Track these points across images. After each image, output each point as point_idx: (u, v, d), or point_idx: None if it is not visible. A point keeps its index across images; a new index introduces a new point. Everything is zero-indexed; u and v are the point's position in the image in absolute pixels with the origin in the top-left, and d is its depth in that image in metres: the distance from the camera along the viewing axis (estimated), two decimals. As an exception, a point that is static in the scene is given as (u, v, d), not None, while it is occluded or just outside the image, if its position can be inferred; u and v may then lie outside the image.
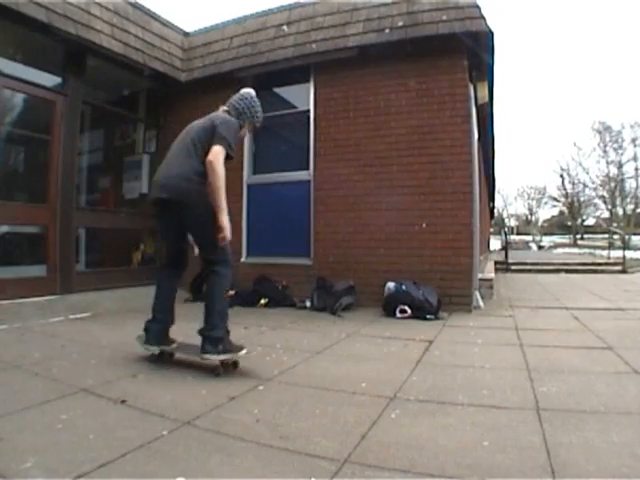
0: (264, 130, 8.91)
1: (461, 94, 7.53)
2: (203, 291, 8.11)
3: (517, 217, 70.65)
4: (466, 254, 7.28)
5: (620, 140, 48.19)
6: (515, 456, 2.38)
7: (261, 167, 8.96)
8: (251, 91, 4.46)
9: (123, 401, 3.10)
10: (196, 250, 4.20)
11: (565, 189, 56.69)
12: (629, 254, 20.49)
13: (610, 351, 4.68)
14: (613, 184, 49.01)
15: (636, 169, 47.36)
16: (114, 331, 5.65)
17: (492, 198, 28.47)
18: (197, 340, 3.97)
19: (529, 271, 17.25)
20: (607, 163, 49.27)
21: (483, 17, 7.20)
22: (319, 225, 8.15)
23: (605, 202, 50.96)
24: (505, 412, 3.02)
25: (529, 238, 54.41)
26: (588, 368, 4.04)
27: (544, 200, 64.04)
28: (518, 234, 58.66)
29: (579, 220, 58.47)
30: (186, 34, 9.65)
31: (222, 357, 3.84)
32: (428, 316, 6.57)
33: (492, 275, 9.95)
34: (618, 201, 49.26)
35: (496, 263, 16.88)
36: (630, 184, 48.43)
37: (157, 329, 4.14)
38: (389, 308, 6.84)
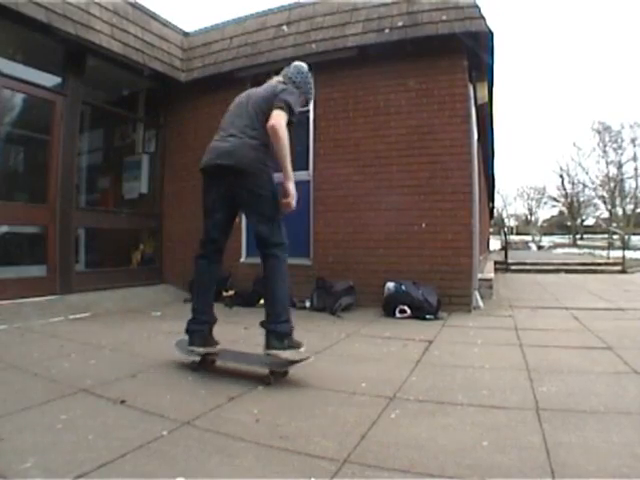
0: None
1: (461, 94, 7.53)
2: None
3: (517, 217, 70.71)
4: (466, 254, 7.28)
5: (620, 140, 48.26)
6: (515, 456, 2.38)
7: None
8: (305, 65, 4.24)
9: (123, 401, 3.10)
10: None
11: (565, 189, 56.77)
12: (629, 254, 20.51)
13: (610, 351, 4.68)
14: (613, 184, 49.04)
15: (636, 169, 47.42)
16: (114, 331, 5.66)
17: (492, 198, 28.49)
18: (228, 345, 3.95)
19: (529, 271, 17.24)
20: (607, 163, 49.35)
21: (483, 17, 7.20)
22: (319, 225, 8.14)
23: (605, 202, 51.03)
24: (505, 412, 3.02)
25: (529, 238, 54.41)
26: (588, 368, 4.04)
27: (544, 200, 64.14)
28: (518, 234, 58.68)
29: (579, 220, 58.52)
30: (186, 34, 9.65)
31: (288, 354, 3.55)
32: (428, 316, 6.57)
33: (492, 275, 9.96)
34: (618, 201, 49.31)
35: (496, 263, 16.89)
36: (630, 184, 48.52)
37: (201, 329, 3.87)
38: (389, 308, 6.85)
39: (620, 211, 49.38)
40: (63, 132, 7.44)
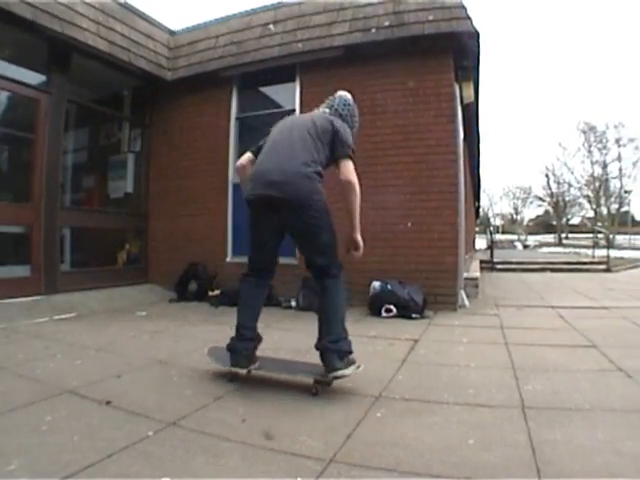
0: (250, 129, 8.91)
1: (447, 94, 7.56)
2: (189, 290, 8.18)
3: (503, 216, 71.03)
4: (451, 253, 7.31)
5: (604, 140, 48.74)
6: (500, 454, 2.41)
7: None
8: (349, 95, 4.19)
9: (108, 402, 3.09)
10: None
11: (550, 189, 57.17)
12: (613, 253, 20.71)
13: (595, 349, 4.73)
14: (598, 184, 49.50)
15: (620, 169, 47.96)
16: (99, 332, 5.62)
17: (477, 197, 28.58)
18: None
19: (514, 270, 17.33)
20: (592, 163, 49.81)
21: (469, 17, 7.24)
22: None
23: (590, 202, 51.46)
24: (490, 410, 3.05)
25: (514, 237, 54.70)
26: (573, 366, 4.08)
27: (529, 199, 64.56)
28: (504, 233, 58.99)
29: (564, 219, 58.95)
30: (172, 33, 9.60)
31: (350, 371, 3.35)
32: (413, 315, 6.60)
33: (477, 274, 10.02)
34: (602, 201, 49.76)
35: (481, 262, 16.95)
36: (614, 184, 49.08)
37: (247, 348, 3.58)
38: (375, 307, 6.86)
39: (605, 210, 49.83)
40: (48, 130, 7.38)
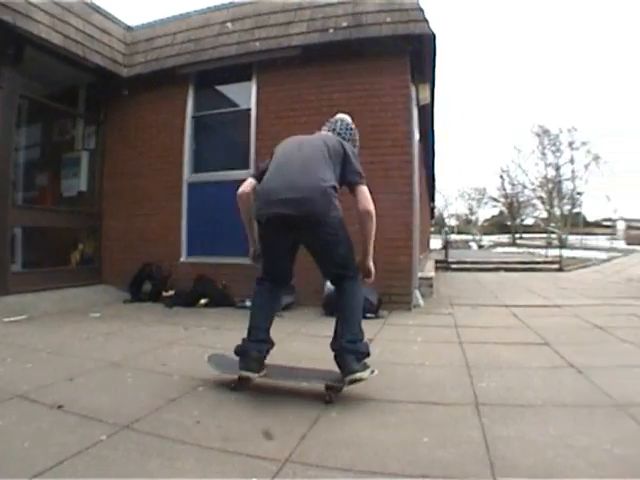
0: (205, 128, 8.85)
1: (403, 95, 7.65)
2: (143, 290, 8.07)
3: (458, 217, 71.79)
4: (406, 253, 7.39)
5: (558, 143, 49.76)
6: (455, 451, 2.46)
7: (202, 166, 8.86)
8: (350, 119, 4.22)
9: (60, 406, 3.03)
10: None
11: (505, 190, 58.11)
12: (566, 253, 21.32)
13: (547, 347, 4.87)
14: (551, 185, 50.49)
15: (573, 171, 49.07)
16: (51, 334, 5.51)
17: (433, 198, 28.93)
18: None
19: (469, 270, 17.61)
20: (545, 165, 50.79)
21: (426, 20, 7.34)
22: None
23: (543, 203, 52.41)
24: (445, 408, 3.11)
25: (469, 237, 55.42)
26: (526, 363, 4.19)
27: (484, 200, 65.36)
28: (459, 233, 59.68)
29: (518, 220, 59.95)
30: (129, 28, 9.46)
31: (367, 374, 3.27)
32: (368, 315, 6.61)
33: (432, 274, 10.13)
34: (555, 202, 50.76)
35: (436, 262, 17.14)
36: (567, 185, 50.16)
37: (259, 350, 3.47)
38: (329, 307, 6.86)
39: (558, 211, 50.85)
40: (-1, 126, 7.20)
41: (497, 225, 68.27)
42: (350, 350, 3.31)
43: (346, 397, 3.30)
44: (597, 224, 56.83)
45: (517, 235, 56.28)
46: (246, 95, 8.46)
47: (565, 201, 51.06)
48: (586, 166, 48.08)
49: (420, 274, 8.64)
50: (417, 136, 9.35)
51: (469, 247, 43.03)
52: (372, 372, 3.31)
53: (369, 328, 5.79)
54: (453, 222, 69.59)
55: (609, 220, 55.03)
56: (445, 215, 67.70)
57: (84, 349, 4.74)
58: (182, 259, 8.63)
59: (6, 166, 7.34)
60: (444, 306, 7.82)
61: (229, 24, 8.45)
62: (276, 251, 3.59)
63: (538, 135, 50.62)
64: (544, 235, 32.90)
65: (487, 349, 4.79)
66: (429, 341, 5.20)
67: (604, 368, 4.03)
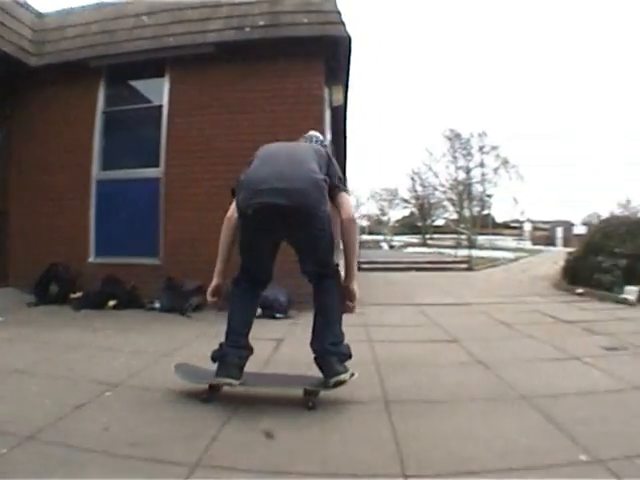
0: (116, 124, 8.58)
1: (316, 96, 7.74)
2: (50, 292, 7.73)
3: (369, 217, 72.59)
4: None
5: (469, 147, 51.26)
6: (365, 448, 2.52)
7: (111, 163, 8.54)
8: (320, 135, 4.07)
9: (-45, 419, 2.86)
10: None
11: (416, 191, 59.06)
12: (475, 253, 22.09)
13: (456, 344, 5.07)
14: (461, 187, 51.91)
15: (482, 174, 50.65)
16: None
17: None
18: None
19: (380, 269, 17.75)
20: (456, 168, 52.07)
21: (343, 23, 7.46)
22: (169, 224, 7.99)
23: (453, 204, 53.72)
24: (355, 406, 3.19)
25: (381, 238, 56.13)
26: (435, 360, 4.33)
27: (396, 201, 66.29)
28: (370, 234, 60.17)
29: (429, 221, 61.29)
30: (39, 15, 9.00)
31: (348, 376, 3.19)
32: (278, 315, 6.67)
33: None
34: (466, 204, 52.19)
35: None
36: (477, 188, 51.67)
37: (241, 355, 3.30)
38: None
39: (468, 213, 52.40)
40: None
41: (408, 226, 69.39)
42: (334, 352, 3.28)
43: (258, 398, 3.30)
44: (506, 225, 58.82)
45: (428, 235, 57.37)
46: (159, 91, 8.27)
47: (475, 203, 52.66)
48: (495, 170, 49.89)
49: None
50: (329, 137, 9.43)
51: (380, 247, 43.51)
52: (352, 375, 3.24)
53: (278, 328, 5.91)
54: (364, 223, 70.52)
55: (517, 222, 57.15)
56: (357, 216, 68.16)
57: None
58: (90, 259, 8.32)
59: None
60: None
61: (145, 17, 8.25)
62: (260, 247, 3.41)
63: (449, 139, 51.95)
64: (454, 236, 33.77)
65: (397, 347, 4.92)
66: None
67: (510, 363, 4.27)
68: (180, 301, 7.09)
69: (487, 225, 54.29)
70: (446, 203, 55.25)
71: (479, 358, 4.39)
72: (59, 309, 7.40)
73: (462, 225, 45.45)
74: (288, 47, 7.71)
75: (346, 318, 6.47)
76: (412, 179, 57.42)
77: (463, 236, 31.09)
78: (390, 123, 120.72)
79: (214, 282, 3.55)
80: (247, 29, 7.70)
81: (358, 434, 2.70)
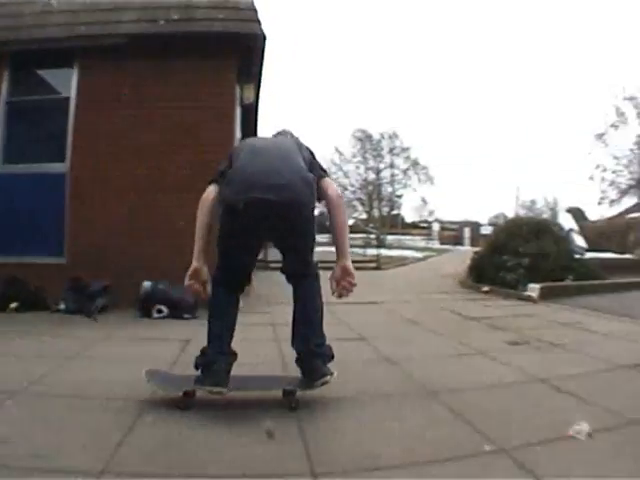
0: (21, 115, 8.20)
1: (228, 94, 7.81)
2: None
3: (278, 217, 73.00)
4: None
5: (379, 149, 52.17)
6: (274, 448, 2.59)
7: (13, 156, 8.06)
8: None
9: None
10: None
11: (325, 191, 59.81)
12: (384, 252, 22.68)
13: (363, 341, 5.32)
14: (371, 188, 52.78)
15: (392, 175, 51.78)
16: None
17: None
18: None
19: (286, 268, 17.90)
20: (366, 169, 52.89)
21: (258, 21, 7.53)
22: (75, 222, 7.73)
23: (363, 204, 54.45)
24: (262, 405, 3.22)
25: (287, 238, 56.43)
26: (343, 358, 4.36)
27: (305, 201, 66.84)
28: (276, 234, 60.69)
29: (337, 220, 62.06)
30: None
31: (330, 378, 3.18)
32: (185, 315, 6.66)
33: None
34: (375, 204, 53.16)
35: (257, 261, 17.26)
36: (386, 188, 52.77)
37: (228, 363, 3.21)
38: (146, 308, 6.80)
39: (377, 213, 53.38)
40: None
41: (318, 225, 69.95)
42: (319, 354, 3.27)
43: (160, 401, 3.25)
44: (415, 225, 60.35)
45: (336, 235, 58.20)
46: (67, 82, 7.97)
47: (384, 203, 53.76)
48: (405, 171, 51.19)
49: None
50: (239, 135, 9.45)
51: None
52: (332, 374, 3.23)
53: (186, 329, 5.89)
54: (274, 222, 70.61)
55: (426, 222, 58.93)
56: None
57: None
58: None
59: None
60: (262, 305, 8.02)
61: (54, 1, 7.97)
62: (246, 244, 3.38)
63: (360, 140, 52.69)
64: (363, 235, 34.37)
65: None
66: (247, 339, 5.20)
67: (417, 359, 4.54)
68: (86, 302, 6.92)
69: (396, 225, 55.79)
70: (355, 203, 55.91)
71: (386, 355, 4.61)
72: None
73: (371, 225, 46.36)
74: (201, 43, 7.72)
75: (255, 317, 6.58)
76: (322, 178, 57.97)
77: (372, 235, 31.69)
78: (300, 123, 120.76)
79: (193, 265, 3.40)
80: (161, 22, 7.63)
81: (265, 433, 2.74)
